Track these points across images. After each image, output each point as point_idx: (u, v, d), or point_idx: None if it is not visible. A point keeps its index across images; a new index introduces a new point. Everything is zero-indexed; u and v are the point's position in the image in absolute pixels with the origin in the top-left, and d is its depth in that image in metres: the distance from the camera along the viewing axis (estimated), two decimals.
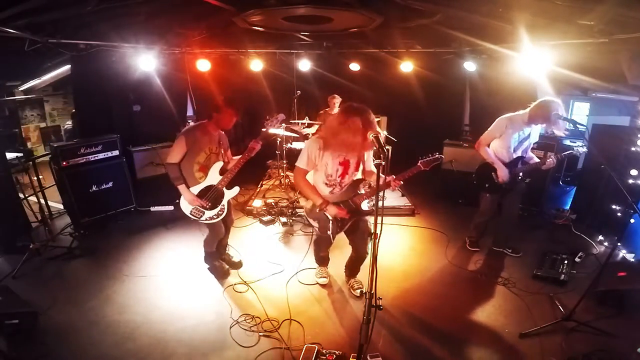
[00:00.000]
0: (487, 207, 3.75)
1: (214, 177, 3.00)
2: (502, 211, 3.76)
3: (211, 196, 3.00)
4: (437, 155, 2.71)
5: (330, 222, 2.71)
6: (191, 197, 2.96)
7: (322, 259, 3.35)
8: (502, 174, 3.41)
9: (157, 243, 4.15)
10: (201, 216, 3.02)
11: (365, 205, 2.74)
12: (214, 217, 3.06)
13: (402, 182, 2.63)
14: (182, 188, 2.94)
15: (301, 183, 2.70)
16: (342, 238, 2.88)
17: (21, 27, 2.84)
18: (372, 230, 1.77)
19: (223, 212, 3.07)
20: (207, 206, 3.00)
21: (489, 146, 3.51)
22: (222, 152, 3.15)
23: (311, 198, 2.69)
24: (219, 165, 3.01)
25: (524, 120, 3.31)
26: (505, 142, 3.42)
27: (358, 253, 3.05)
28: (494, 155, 3.47)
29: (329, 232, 2.76)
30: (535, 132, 3.47)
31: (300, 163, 2.67)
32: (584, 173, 4.95)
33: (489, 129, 3.47)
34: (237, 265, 3.58)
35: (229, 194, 3.09)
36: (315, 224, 2.84)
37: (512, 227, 3.82)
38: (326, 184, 2.72)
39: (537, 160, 3.51)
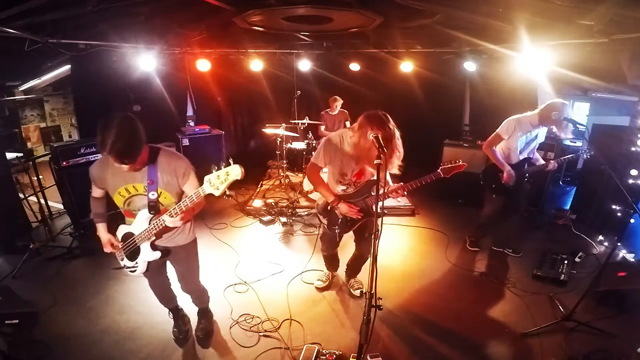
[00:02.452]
0: (493, 208, 3.74)
1: (139, 224, 2.17)
2: (507, 212, 3.74)
3: (130, 245, 2.26)
4: (459, 163, 2.55)
5: (340, 220, 2.69)
6: (103, 238, 2.29)
7: (330, 261, 3.27)
8: (509, 176, 3.36)
9: None
10: (121, 259, 2.35)
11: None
12: (130, 269, 2.34)
13: (405, 194, 2.57)
14: (98, 226, 2.34)
15: (314, 179, 2.67)
16: (345, 237, 2.87)
17: (21, 27, 2.85)
18: (373, 230, 1.77)
19: (135, 270, 2.32)
20: (120, 252, 2.31)
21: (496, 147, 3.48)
22: (177, 189, 2.15)
23: (323, 195, 2.66)
24: (146, 214, 2.13)
25: (532, 121, 3.27)
26: (513, 144, 3.39)
27: (361, 253, 3.04)
28: (502, 156, 3.43)
29: (337, 230, 2.73)
30: (542, 133, 3.44)
31: (315, 159, 2.65)
32: (584, 173, 4.94)
33: (497, 130, 3.41)
34: (181, 341, 2.71)
35: (147, 255, 2.23)
36: (324, 220, 2.80)
37: (514, 228, 3.81)
38: (340, 182, 2.67)
39: (543, 162, 3.49)
